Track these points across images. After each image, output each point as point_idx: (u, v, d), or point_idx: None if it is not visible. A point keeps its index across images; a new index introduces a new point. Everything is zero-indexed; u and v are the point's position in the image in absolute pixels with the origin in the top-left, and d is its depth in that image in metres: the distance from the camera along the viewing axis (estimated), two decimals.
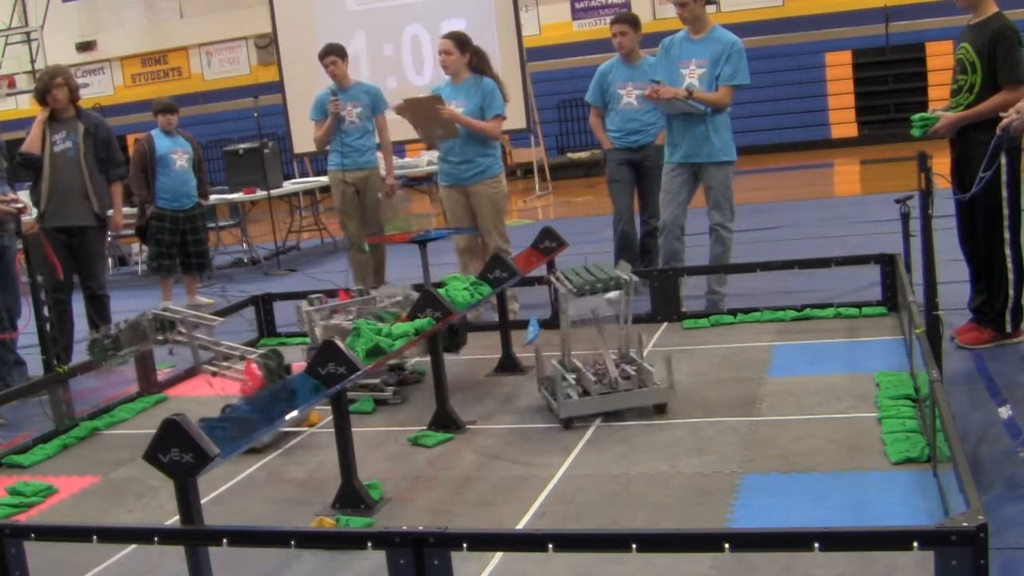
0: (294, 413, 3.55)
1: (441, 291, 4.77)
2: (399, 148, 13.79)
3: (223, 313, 6.22)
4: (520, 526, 3.55)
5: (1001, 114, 4.76)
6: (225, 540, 2.85)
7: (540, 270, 5.97)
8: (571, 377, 4.72)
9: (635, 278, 4.77)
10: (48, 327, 5.64)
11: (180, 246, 9.03)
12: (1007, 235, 5.13)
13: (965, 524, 2.33)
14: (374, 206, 8.00)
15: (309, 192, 13.14)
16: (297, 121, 12.23)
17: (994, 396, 4.57)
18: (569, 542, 2.65)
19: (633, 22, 7.26)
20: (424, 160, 13.40)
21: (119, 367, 5.58)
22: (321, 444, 4.63)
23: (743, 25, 14.17)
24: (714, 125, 6.38)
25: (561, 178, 17.90)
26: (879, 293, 6.10)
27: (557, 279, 4.89)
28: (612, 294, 4.96)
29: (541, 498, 3.79)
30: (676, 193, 6.53)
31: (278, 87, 13.35)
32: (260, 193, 11.23)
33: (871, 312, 5.98)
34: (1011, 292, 5.20)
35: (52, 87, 6.64)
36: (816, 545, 2.39)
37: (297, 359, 5.68)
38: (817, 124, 18.23)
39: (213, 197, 10.62)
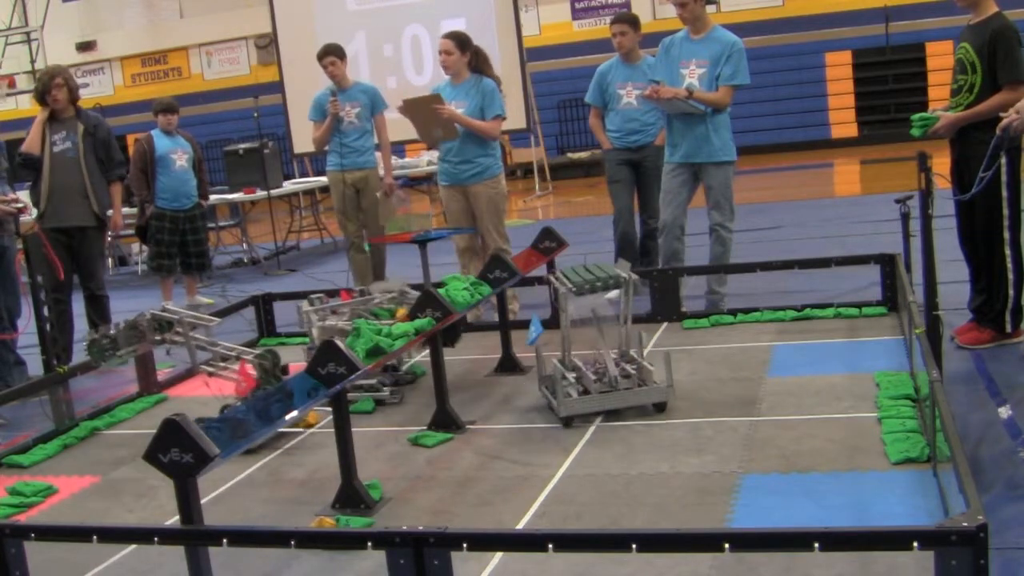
0: (294, 413, 3.55)
1: (441, 291, 4.77)
2: (399, 148, 13.80)
3: (223, 313, 6.23)
4: (520, 526, 3.55)
5: (1001, 114, 4.75)
6: (225, 540, 2.85)
7: (540, 270, 5.97)
8: (571, 376, 4.72)
9: (634, 276, 4.77)
10: (48, 327, 5.64)
11: (180, 246, 9.03)
12: (1007, 235, 5.13)
13: (965, 524, 2.33)
14: (373, 206, 8.00)
15: (309, 192, 13.13)
16: (297, 121, 12.22)
17: (994, 396, 4.57)
18: (569, 542, 2.65)
19: (633, 22, 7.26)
20: (424, 160, 13.41)
21: (119, 367, 5.59)
22: (321, 444, 4.63)
23: (743, 25, 14.19)
24: (714, 125, 6.38)
25: (561, 178, 17.90)
26: (879, 293, 6.10)
27: (557, 279, 4.89)
28: (612, 293, 4.96)
29: (541, 498, 3.78)
30: (676, 193, 6.53)
31: (278, 87, 13.35)
32: (260, 193, 11.23)
33: (871, 312, 5.98)
34: (1011, 292, 5.20)
35: (52, 87, 6.64)
36: (816, 545, 2.39)
37: (298, 359, 5.69)
38: (817, 124, 18.23)
39: (213, 197, 10.62)
